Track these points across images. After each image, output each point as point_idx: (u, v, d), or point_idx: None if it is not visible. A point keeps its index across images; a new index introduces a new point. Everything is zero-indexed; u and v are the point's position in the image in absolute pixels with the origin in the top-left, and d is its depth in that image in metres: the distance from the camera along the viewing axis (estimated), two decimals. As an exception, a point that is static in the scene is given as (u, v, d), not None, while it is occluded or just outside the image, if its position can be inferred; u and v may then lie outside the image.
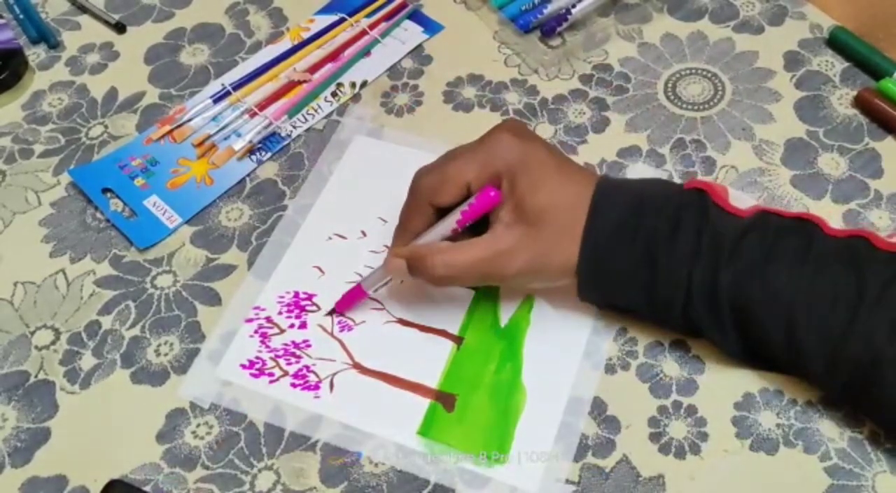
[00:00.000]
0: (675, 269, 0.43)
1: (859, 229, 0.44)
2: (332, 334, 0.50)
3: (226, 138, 0.59)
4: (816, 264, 0.42)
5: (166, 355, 0.50)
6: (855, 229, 0.44)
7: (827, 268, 0.42)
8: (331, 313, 0.50)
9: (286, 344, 0.49)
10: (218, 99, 0.61)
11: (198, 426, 0.47)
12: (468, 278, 0.45)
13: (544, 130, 0.58)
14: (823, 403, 0.45)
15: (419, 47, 0.63)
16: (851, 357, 0.41)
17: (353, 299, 0.50)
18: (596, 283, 0.45)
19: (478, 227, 0.45)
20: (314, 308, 0.51)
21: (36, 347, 0.50)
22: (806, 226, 0.44)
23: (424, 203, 0.46)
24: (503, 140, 0.45)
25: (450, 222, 0.45)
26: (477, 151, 0.45)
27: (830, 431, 0.45)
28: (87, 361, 0.50)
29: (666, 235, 0.43)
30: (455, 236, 0.46)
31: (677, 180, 0.55)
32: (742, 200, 0.45)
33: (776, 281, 0.42)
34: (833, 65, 0.60)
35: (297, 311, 0.51)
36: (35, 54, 0.65)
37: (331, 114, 0.60)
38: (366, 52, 0.63)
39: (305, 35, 0.65)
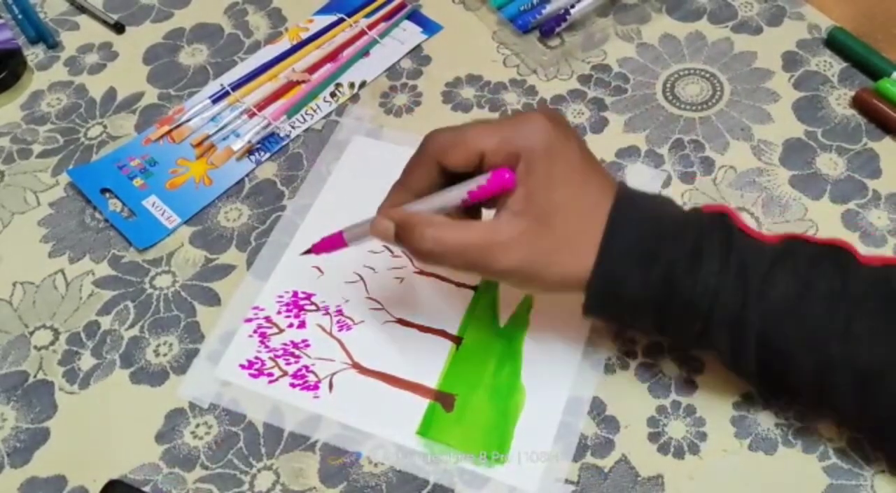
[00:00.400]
0: (695, 300, 0.40)
1: (893, 257, 0.42)
2: (331, 334, 0.50)
3: (225, 139, 0.59)
4: (853, 302, 0.39)
5: (165, 355, 0.50)
6: (891, 257, 0.42)
7: (863, 305, 0.39)
8: (307, 252, 0.46)
9: (285, 344, 0.49)
10: (217, 99, 0.61)
11: (197, 426, 0.47)
12: (455, 261, 0.40)
13: (543, 130, 0.58)
14: (822, 402, 0.46)
15: (418, 48, 0.63)
16: (888, 396, 0.39)
17: (331, 244, 0.46)
18: (606, 305, 0.42)
19: (474, 211, 0.43)
20: (313, 308, 0.51)
21: (35, 347, 0.50)
22: (839, 255, 0.41)
23: (431, 159, 0.41)
24: (535, 121, 0.40)
25: (454, 197, 0.41)
26: (503, 124, 0.41)
27: (829, 431, 0.45)
28: (87, 361, 0.50)
29: (686, 263, 0.40)
30: (456, 214, 0.42)
31: (676, 181, 0.55)
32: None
33: (812, 319, 0.39)
34: (831, 65, 0.60)
35: (296, 311, 0.51)
36: (34, 54, 0.65)
37: (329, 114, 0.60)
38: (365, 53, 0.63)
39: (304, 35, 0.65)
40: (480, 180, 0.40)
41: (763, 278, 0.39)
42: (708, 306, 0.40)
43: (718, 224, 0.41)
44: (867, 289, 0.40)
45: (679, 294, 0.40)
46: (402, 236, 0.41)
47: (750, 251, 0.40)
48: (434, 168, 0.41)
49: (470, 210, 0.42)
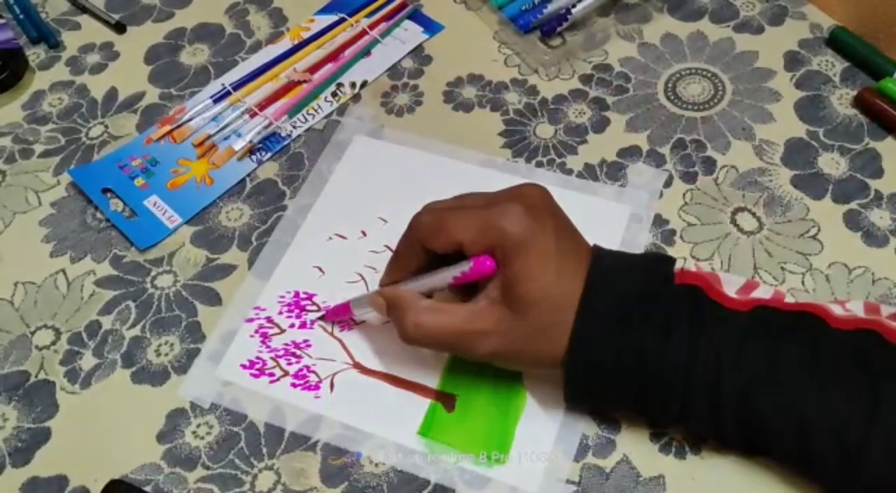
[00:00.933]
0: (669, 380, 0.40)
1: (868, 320, 0.41)
2: (332, 334, 0.50)
3: (226, 138, 0.59)
4: (826, 371, 0.39)
5: (167, 355, 0.50)
6: (864, 319, 0.41)
7: (837, 375, 0.39)
8: (319, 318, 0.50)
9: (286, 344, 0.49)
10: (218, 99, 0.61)
11: (198, 426, 0.47)
12: (437, 345, 0.44)
13: (544, 130, 0.58)
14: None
15: (419, 47, 0.63)
16: (872, 468, 0.39)
17: (340, 313, 0.49)
18: (585, 394, 0.44)
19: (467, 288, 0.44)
20: (314, 308, 0.51)
21: (36, 347, 0.50)
22: (810, 322, 0.41)
23: (416, 243, 0.44)
24: (512, 213, 0.41)
25: (440, 281, 0.43)
26: (482, 213, 0.42)
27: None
28: (88, 361, 0.50)
29: (656, 344, 0.40)
30: (447, 292, 0.45)
31: (677, 180, 0.55)
32: (732, 283, 0.43)
33: (785, 393, 0.39)
34: (833, 65, 0.60)
35: (297, 311, 0.51)
36: (35, 54, 0.65)
37: (331, 114, 0.60)
38: (366, 52, 0.63)
39: (305, 35, 0.65)
40: (463, 267, 0.42)
41: (734, 354, 0.40)
42: (682, 386, 0.40)
43: (689, 300, 0.42)
44: (839, 356, 0.40)
45: (653, 374, 0.41)
46: (390, 315, 0.45)
47: (721, 327, 0.41)
48: (419, 250, 0.44)
49: (459, 290, 0.44)
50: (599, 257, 0.43)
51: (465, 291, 0.44)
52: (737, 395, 0.40)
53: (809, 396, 0.39)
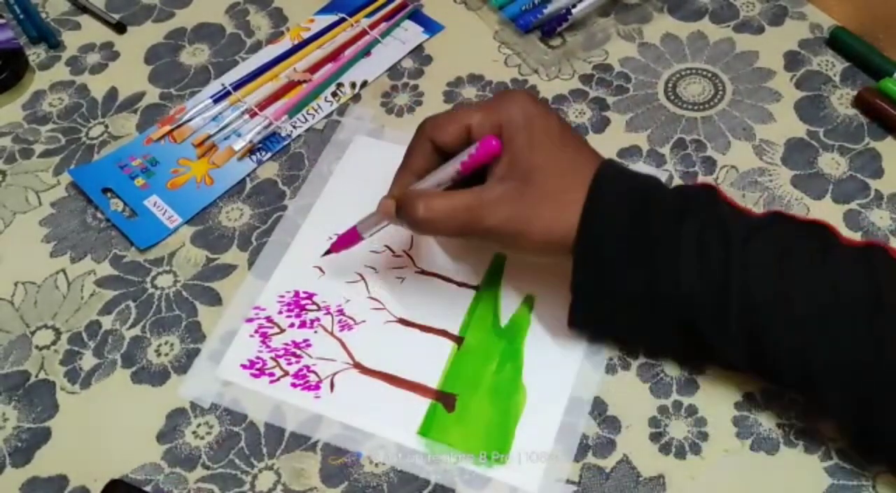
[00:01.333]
0: (679, 265, 0.41)
1: (876, 240, 0.43)
2: (332, 334, 0.50)
3: (226, 138, 0.59)
4: (833, 272, 0.40)
5: (167, 355, 0.50)
6: (871, 240, 0.43)
7: (843, 278, 0.40)
8: (326, 253, 0.50)
9: (286, 344, 0.49)
10: (218, 99, 0.61)
11: (198, 426, 0.47)
12: (448, 225, 0.43)
13: (544, 129, 0.58)
14: (824, 403, 0.45)
15: (419, 47, 0.63)
16: (864, 374, 0.39)
17: (348, 241, 0.49)
18: (594, 273, 0.43)
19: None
20: (314, 308, 0.51)
21: (36, 347, 0.50)
22: (822, 232, 0.42)
23: (425, 139, 0.45)
24: (516, 97, 0.44)
25: (450, 170, 0.44)
26: (487, 102, 0.45)
27: (831, 431, 0.45)
28: (88, 361, 0.50)
29: (669, 224, 0.41)
30: (456, 187, 0.44)
31: (678, 181, 0.55)
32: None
33: (791, 290, 0.40)
34: (833, 65, 0.60)
35: (297, 310, 0.51)
36: (35, 54, 0.65)
37: (331, 114, 0.60)
38: (366, 52, 0.63)
39: (305, 35, 0.65)
40: (470, 149, 0.43)
41: (744, 239, 0.41)
42: (692, 272, 0.41)
43: (704, 193, 0.43)
44: (848, 258, 0.41)
45: (663, 256, 0.41)
46: (401, 210, 0.44)
47: (732, 219, 0.42)
48: (430, 148, 0.45)
49: (468, 184, 0.44)
50: (611, 158, 0.45)
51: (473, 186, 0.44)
52: (742, 288, 0.40)
53: (814, 288, 0.40)
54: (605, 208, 0.42)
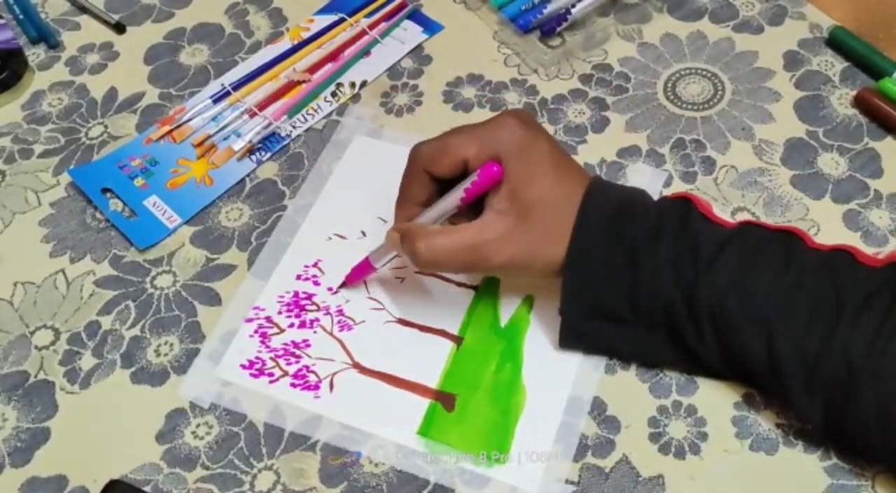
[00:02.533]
0: (656, 276, 0.43)
1: (844, 244, 0.43)
2: (331, 334, 0.50)
3: (225, 138, 0.59)
4: (796, 277, 0.42)
5: (166, 355, 0.50)
6: (839, 244, 0.43)
7: (806, 282, 0.41)
8: (341, 286, 0.51)
9: (286, 344, 0.49)
10: (218, 99, 0.61)
11: (198, 426, 0.47)
12: (451, 264, 0.44)
13: (544, 129, 0.58)
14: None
15: (419, 47, 0.63)
16: (829, 375, 0.40)
17: (361, 272, 0.50)
18: (578, 284, 0.44)
19: (479, 211, 0.45)
20: (314, 308, 0.51)
21: (36, 347, 0.50)
22: (788, 239, 0.43)
23: (421, 171, 0.45)
24: (508, 125, 0.44)
25: (453, 199, 0.44)
26: (480, 130, 0.44)
27: (830, 431, 0.45)
28: (87, 361, 0.50)
29: (646, 240, 0.43)
30: (459, 215, 0.45)
31: (677, 180, 0.55)
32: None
33: (755, 294, 0.41)
34: (833, 65, 0.60)
35: (296, 310, 0.51)
36: (35, 54, 0.65)
37: (330, 114, 0.60)
38: (365, 52, 0.63)
39: (305, 35, 0.65)
40: (472, 177, 0.43)
41: (712, 256, 0.42)
42: (666, 282, 0.42)
43: (680, 206, 0.44)
44: (811, 267, 0.42)
45: (642, 272, 0.43)
46: (404, 247, 0.44)
47: (704, 232, 0.43)
48: (426, 178, 0.45)
49: (468, 214, 0.45)
50: (598, 177, 0.46)
51: (473, 216, 0.45)
52: (710, 295, 0.42)
53: (777, 298, 0.41)
54: (589, 232, 0.43)
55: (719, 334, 0.43)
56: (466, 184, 0.43)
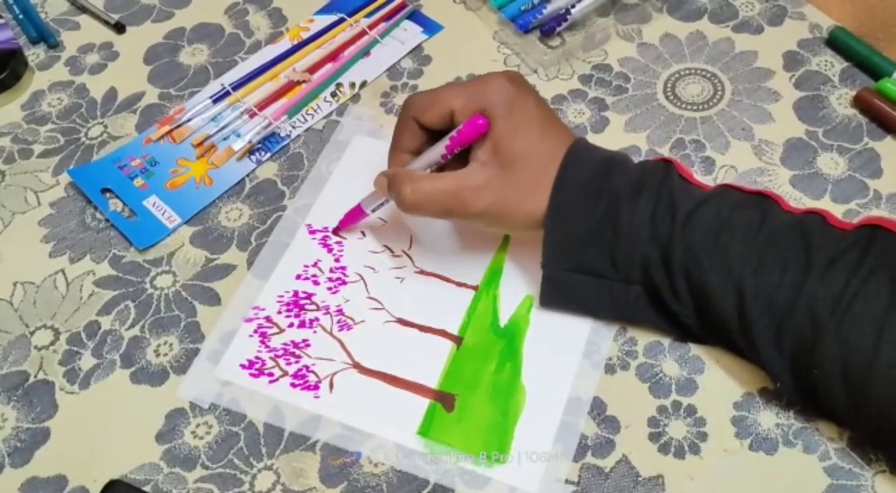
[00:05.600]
0: (634, 231, 0.44)
1: (816, 208, 0.45)
2: (331, 334, 0.50)
3: (225, 138, 0.59)
4: (768, 237, 0.43)
5: (166, 355, 0.50)
6: (814, 208, 0.45)
7: (778, 240, 0.43)
8: (334, 231, 0.53)
9: (286, 344, 0.49)
10: (217, 99, 0.61)
11: (197, 426, 0.47)
12: (433, 208, 0.45)
13: (544, 130, 0.58)
14: (823, 403, 0.45)
15: (418, 47, 0.63)
16: (796, 330, 0.41)
17: (353, 217, 0.52)
18: (560, 237, 0.45)
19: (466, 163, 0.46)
20: (314, 308, 0.51)
21: (35, 347, 0.50)
22: (764, 201, 0.45)
23: (411, 119, 0.47)
24: (496, 81, 0.46)
25: (439, 148, 0.46)
26: (469, 84, 0.46)
27: (830, 431, 0.45)
28: (87, 361, 0.50)
29: (627, 195, 0.44)
30: (447, 165, 0.46)
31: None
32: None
33: (727, 252, 0.43)
34: (832, 65, 0.60)
35: (296, 310, 0.51)
36: (34, 54, 0.65)
37: (330, 114, 0.60)
38: (365, 53, 0.63)
39: (305, 35, 0.65)
40: (459, 128, 0.45)
41: (688, 214, 0.43)
42: (644, 238, 0.44)
43: (661, 167, 0.46)
44: (783, 228, 0.43)
45: (621, 227, 0.44)
46: (391, 191, 0.46)
47: (683, 192, 0.45)
48: (415, 127, 0.47)
49: (454, 165, 0.46)
50: (582, 137, 0.48)
51: (459, 167, 0.46)
52: (684, 253, 0.43)
53: (748, 257, 0.42)
54: (571, 187, 0.44)
55: (692, 290, 0.44)
56: (452, 133, 0.45)
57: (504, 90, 0.45)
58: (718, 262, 0.43)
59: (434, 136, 0.47)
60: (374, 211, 0.51)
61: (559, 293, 0.48)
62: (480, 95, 0.45)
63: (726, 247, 0.43)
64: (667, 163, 0.46)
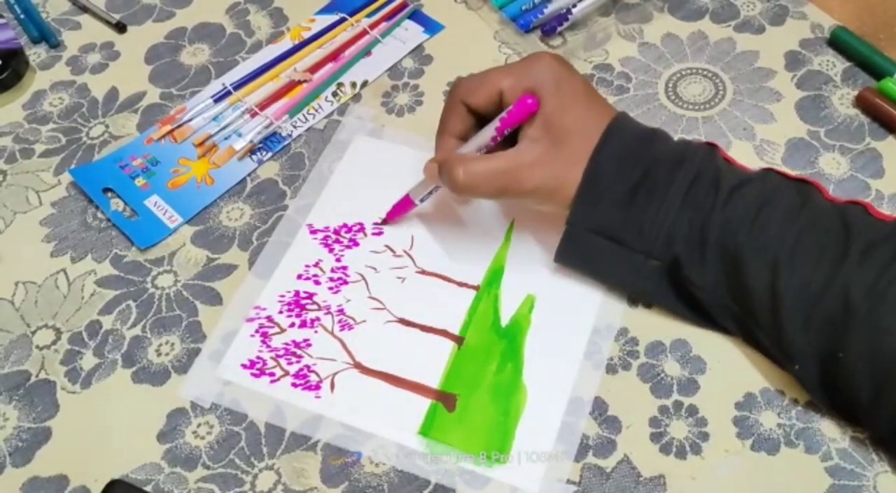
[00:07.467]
0: (668, 200, 0.44)
1: (859, 200, 0.45)
2: (332, 334, 0.50)
3: (226, 138, 0.59)
4: (809, 219, 0.43)
5: (167, 354, 0.50)
6: (855, 199, 0.45)
7: (817, 225, 0.43)
8: (382, 222, 0.53)
9: (287, 344, 0.49)
10: (219, 99, 0.61)
11: (198, 425, 0.47)
12: (488, 188, 0.45)
13: (545, 129, 0.58)
14: (824, 403, 0.45)
15: (420, 47, 0.63)
16: (827, 311, 0.41)
17: (402, 208, 0.52)
18: (590, 198, 0.45)
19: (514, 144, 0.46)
20: (315, 308, 0.51)
21: (37, 346, 0.50)
22: (806, 187, 0.45)
23: (458, 102, 0.47)
24: (543, 60, 0.46)
25: (489, 131, 0.46)
26: (516, 65, 0.47)
27: (832, 431, 0.45)
28: (88, 360, 0.50)
29: (668, 165, 0.45)
30: (495, 147, 0.46)
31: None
32: None
33: (767, 229, 0.43)
34: (834, 65, 0.60)
35: (297, 310, 0.51)
36: (36, 54, 0.65)
37: (331, 114, 0.60)
38: (366, 52, 0.63)
39: (306, 35, 0.65)
40: (510, 109, 0.45)
41: (732, 188, 0.44)
42: (680, 206, 0.44)
43: (705, 147, 0.46)
44: (824, 213, 0.44)
45: (654, 191, 0.44)
46: (443, 174, 0.46)
47: (725, 168, 0.45)
48: (463, 110, 0.48)
49: (503, 146, 0.46)
50: (625, 113, 0.48)
51: (501, 150, 0.46)
52: (723, 227, 0.44)
53: (786, 237, 0.43)
54: (611, 151, 0.45)
55: (725, 264, 0.44)
56: (503, 114, 0.46)
57: (551, 69, 0.46)
58: (757, 238, 0.43)
59: (480, 121, 0.48)
60: (422, 200, 0.51)
61: (576, 253, 0.48)
62: (528, 74, 0.46)
63: (767, 225, 0.43)
64: (711, 145, 0.47)
